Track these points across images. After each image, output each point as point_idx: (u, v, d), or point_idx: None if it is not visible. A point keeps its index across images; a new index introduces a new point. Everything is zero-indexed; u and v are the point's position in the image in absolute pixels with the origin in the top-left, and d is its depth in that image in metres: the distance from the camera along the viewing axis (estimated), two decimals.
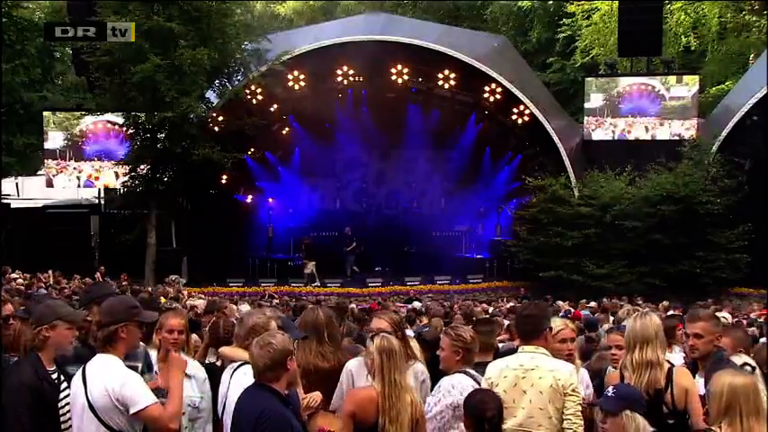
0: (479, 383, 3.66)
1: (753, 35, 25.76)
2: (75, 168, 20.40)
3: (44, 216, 19.88)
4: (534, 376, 3.53)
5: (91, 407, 3.08)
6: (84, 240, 19.83)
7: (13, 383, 3.25)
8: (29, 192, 24.80)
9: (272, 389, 3.06)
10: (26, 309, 4.46)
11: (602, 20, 26.18)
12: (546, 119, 19.38)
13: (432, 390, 3.90)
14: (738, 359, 3.83)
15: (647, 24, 19.31)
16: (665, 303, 12.51)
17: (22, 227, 19.74)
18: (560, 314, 9.28)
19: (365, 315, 8.70)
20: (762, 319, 9.91)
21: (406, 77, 20.62)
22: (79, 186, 20.91)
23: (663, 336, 3.82)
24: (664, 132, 19.67)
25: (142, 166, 18.49)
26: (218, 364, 4.28)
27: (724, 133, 18.44)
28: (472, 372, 3.77)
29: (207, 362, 4.50)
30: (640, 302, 12.79)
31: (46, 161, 20.86)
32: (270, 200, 22.65)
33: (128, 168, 18.83)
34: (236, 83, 19.29)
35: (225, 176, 19.94)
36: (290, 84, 20.09)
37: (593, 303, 12.37)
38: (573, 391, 3.50)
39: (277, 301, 13.94)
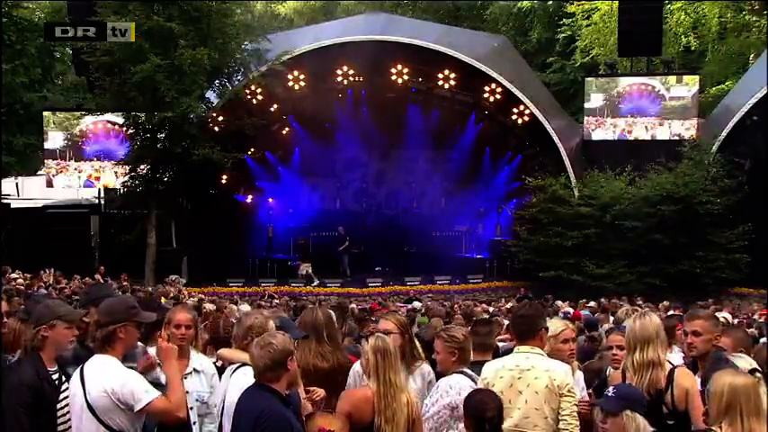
0: (476, 383, 3.67)
1: (753, 35, 25.75)
2: (75, 169, 20.41)
3: (44, 216, 19.87)
4: (530, 376, 3.54)
5: (90, 407, 3.08)
6: (84, 240, 19.82)
7: (13, 383, 3.25)
8: (29, 192, 24.81)
9: (273, 389, 3.06)
10: (26, 309, 4.46)
11: (602, 20, 26.18)
12: (546, 119, 19.37)
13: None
14: (743, 362, 3.81)
15: (647, 24, 19.30)
16: (666, 303, 12.52)
17: (22, 227, 19.74)
18: (560, 314, 9.30)
19: (366, 315, 8.71)
20: (762, 319, 9.90)
21: (406, 77, 20.61)
22: (79, 186, 20.92)
23: (664, 335, 3.81)
24: (664, 132, 19.67)
25: (142, 166, 18.49)
26: (218, 364, 4.28)
27: (724, 133, 18.43)
28: (469, 372, 3.77)
29: None
30: (640, 302, 12.78)
31: (46, 161, 20.85)
32: (270, 200, 22.65)
33: (128, 168, 18.83)
34: (236, 83, 19.29)
35: (225, 176, 19.94)
36: (290, 84, 20.08)
37: (592, 303, 12.36)
38: (568, 391, 3.51)
39: (277, 301, 13.93)
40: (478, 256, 21.44)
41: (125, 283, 14.27)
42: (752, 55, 25.73)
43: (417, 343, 4.37)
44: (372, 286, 19.19)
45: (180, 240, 19.89)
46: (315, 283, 19.18)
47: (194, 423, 3.85)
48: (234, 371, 3.56)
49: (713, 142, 18.45)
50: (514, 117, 20.18)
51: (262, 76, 18.94)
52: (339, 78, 20.72)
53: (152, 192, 18.48)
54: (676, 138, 19.33)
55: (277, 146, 22.56)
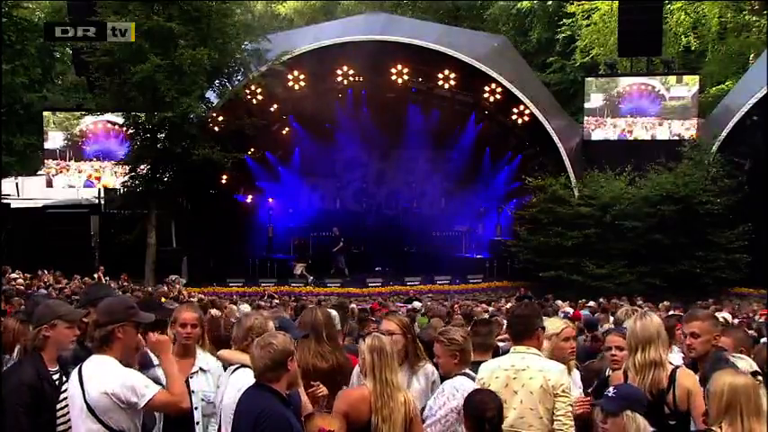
0: None
1: (753, 35, 25.76)
2: (75, 169, 20.42)
3: (44, 216, 19.87)
4: (525, 377, 3.54)
5: (89, 408, 3.07)
6: (84, 240, 19.81)
7: (13, 383, 3.25)
8: (29, 192, 24.80)
9: (273, 389, 3.05)
10: (26, 309, 4.46)
11: (602, 20, 26.19)
12: (546, 119, 19.38)
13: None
14: (743, 362, 3.80)
15: (647, 24, 19.31)
16: (666, 303, 12.52)
17: (22, 227, 19.74)
18: (560, 314, 9.29)
19: (366, 315, 8.71)
20: (762, 320, 9.90)
21: (406, 77, 20.63)
22: (79, 186, 20.91)
23: (665, 335, 3.80)
24: (664, 132, 19.67)
25: (142, 166, 18.51)
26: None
27: (724, 133, 18.44)
28: (472, 373, 3.77)
29: None
30: (640, 302, 12.77)
31: (46, 161, 20.87)
32: (270, 200, 22.67)
33: (128, 168, 18.85)
34: (236, 83, 19.31)
35: (225, 176, 19.95)
36: (290, 84, 20.10)
37: (592, 303, 12.36)
38: (563, 391, 3.50)
39: (277, 301, 13.93)
40: (478, 256, 21.46)
41: (125, 284, 14.27)
42: (752, 55, 25.73)
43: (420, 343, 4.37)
44: (372, 286, 19.21)
45: (180, 240, 19.89)
46: (309, 280, 19.27)
47: (198, 423, 3.84)
48: (233, 372, 3.55)
49: (713, 142, 18.46)
50: (514, 117, 20.18)
51: (262, 76, 18.95)
52: (339, 78, 20.73)
53: (152, 192, 18.49)
54: (676, 138, 19.34)
55: (277, 146, 22.57)
